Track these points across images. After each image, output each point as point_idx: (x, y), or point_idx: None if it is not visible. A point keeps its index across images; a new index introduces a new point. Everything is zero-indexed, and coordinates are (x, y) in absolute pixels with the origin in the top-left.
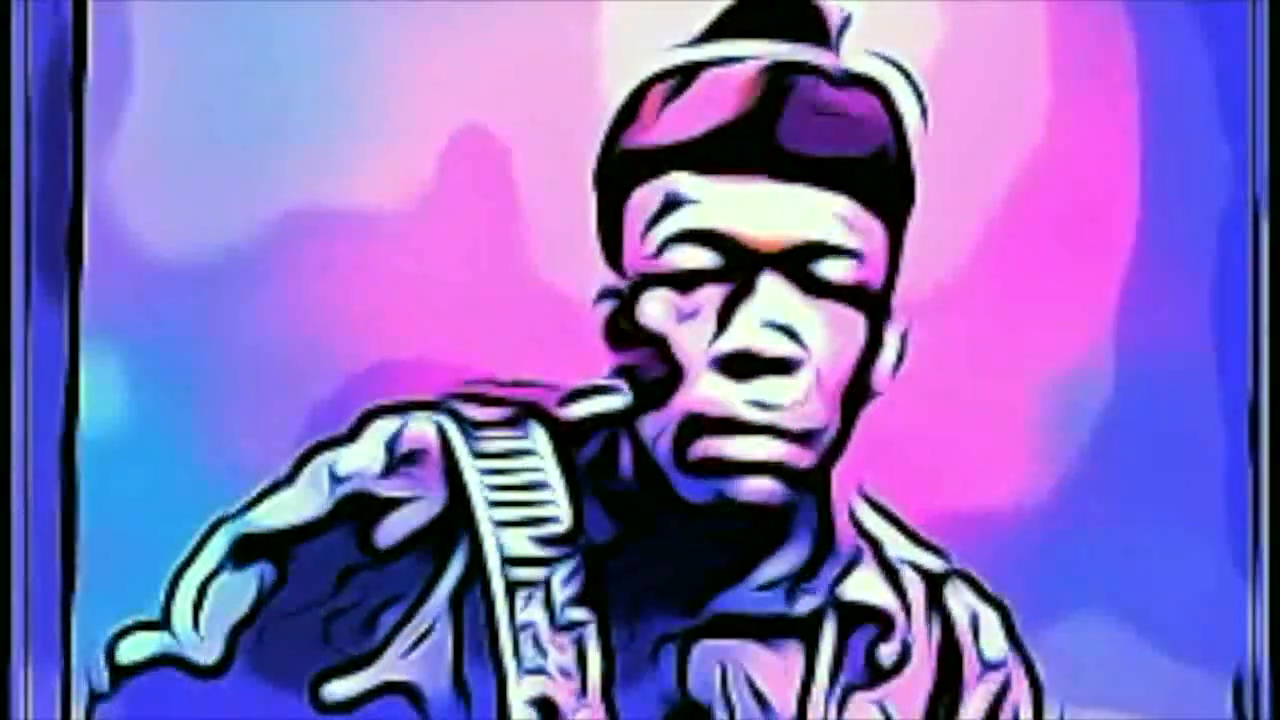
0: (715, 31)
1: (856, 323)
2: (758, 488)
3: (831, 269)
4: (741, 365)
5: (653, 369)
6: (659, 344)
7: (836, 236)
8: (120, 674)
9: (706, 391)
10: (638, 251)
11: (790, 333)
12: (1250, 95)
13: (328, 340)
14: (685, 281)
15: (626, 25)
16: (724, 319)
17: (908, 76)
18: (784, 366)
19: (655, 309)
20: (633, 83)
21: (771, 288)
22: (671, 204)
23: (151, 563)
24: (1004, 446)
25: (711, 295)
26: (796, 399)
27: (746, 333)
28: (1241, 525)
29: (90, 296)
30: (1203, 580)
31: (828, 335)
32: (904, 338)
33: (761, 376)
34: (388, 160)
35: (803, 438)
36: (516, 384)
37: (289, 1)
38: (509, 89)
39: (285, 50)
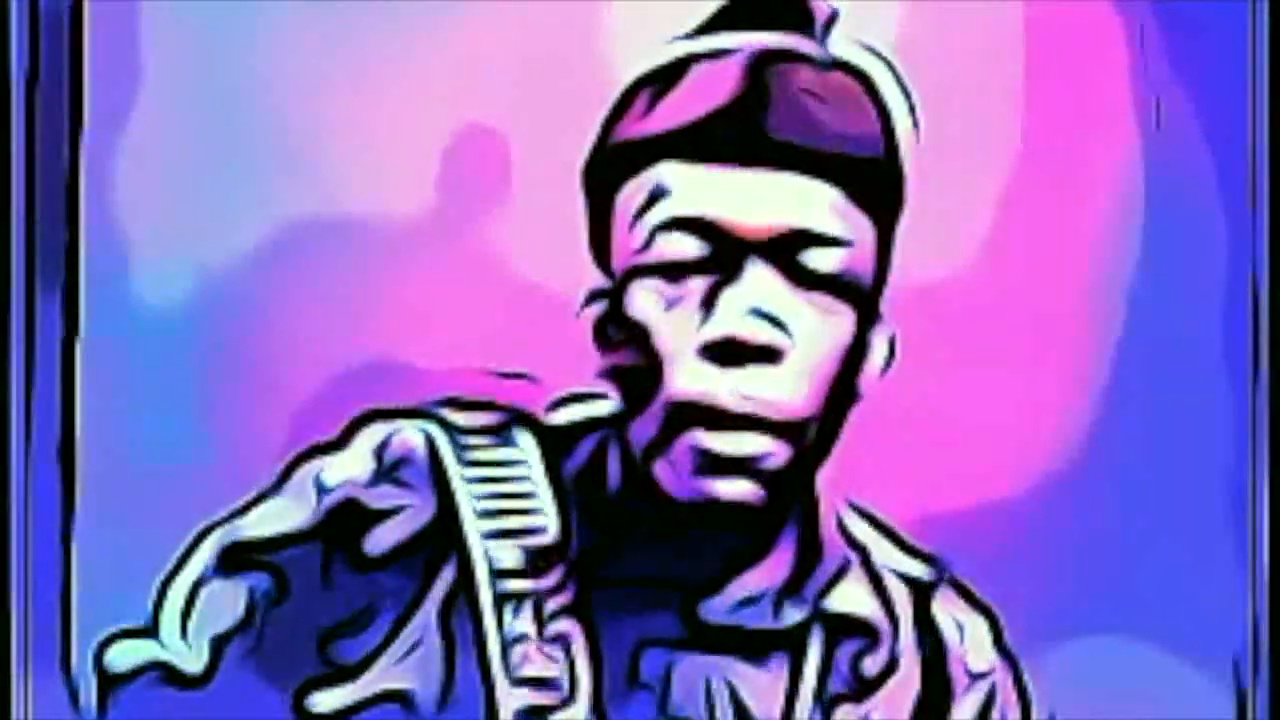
0: (707, 29)
1: (843, 314)
2: (742, 487)
3: (819, 258)
4: (727, 353)
5: (640, 365)
6: (645, 339)
7: (824, 225)
8: (108, 682)
9: (692, 379)
10: (626, 245)
11: (776, 321)
12: (1250, 95)
13: (318, 344)
14: (673, 270)
15: (626, 25)
16: (709, 307)
17: (895, 74)
18: (769, 354)
19: (643, 300)
20: (626, 83)
21: (758, 276)
22: (659, 193)
23: (149, 568)
24: (996, 450)
25: (698, 284)
26: (781, 388)
27: (732, 320)
28: (1241, 527)
29: (89, 300)
30: (1200, 583)
31: (814, 325)
32: (892, 343)
33: (747, 364)
34: (383, 164)
35: (788, 428)
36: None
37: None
38: (505, 91)
39: (281, 51)
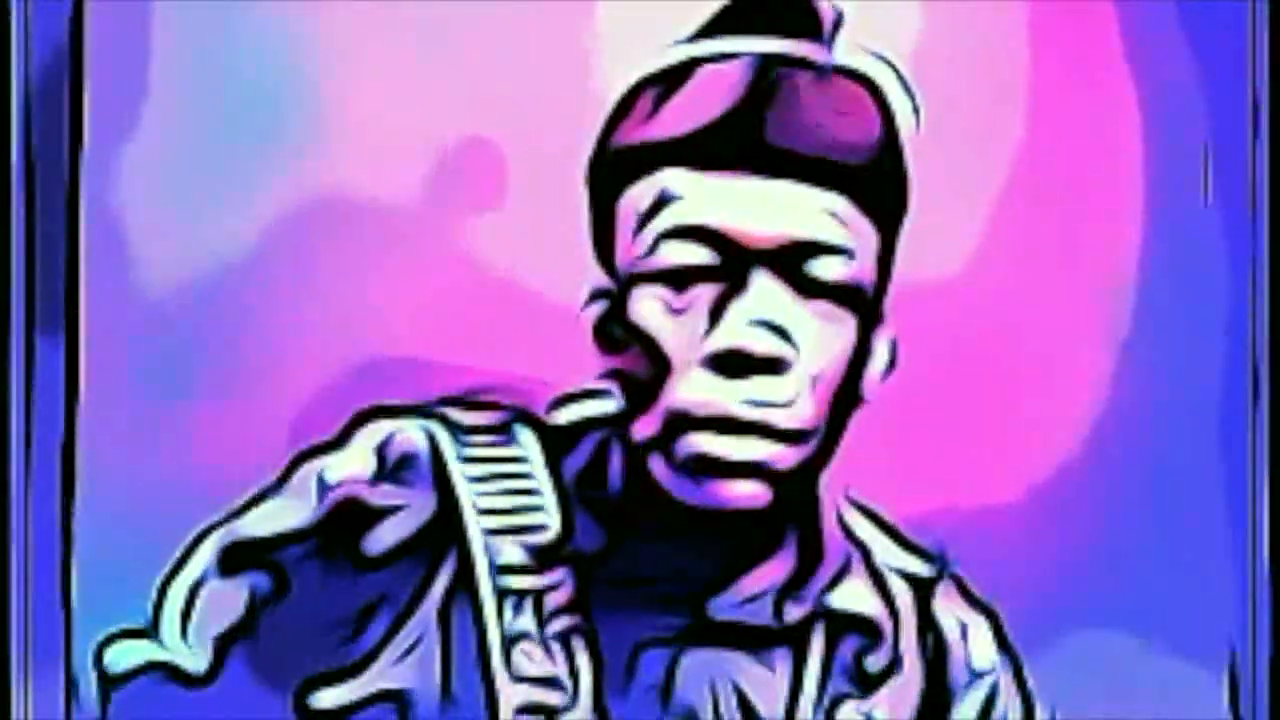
0: (710, 30)
1: (847, 323)
2: (746, 490)
3: (824, 267)
4: (732, 364)
5: (643, 369)
6: (649, 343)
7: (829, 234)
8: (108, 682)
9: (696, 389)
10: (630, 250)
11: (781, 332)
12: (1250, 95)
13: (318, 343)
14: (677, 278)
15: (623, 27)
16: (715, 317)
17: (900, 76)
18: (774, 366)
19: (646, 307)
20: (628, 85)
21: (763, 286)
22: (664, 200)
23: (149, 568)
24: (996, 450)
25: (703, 293)
26: (786, 398)
27: (737, 331)
28: (1241, 525)
29: (89, 299)
30: (1201, 582)
31: (818, 335)
32: (894, 346)
33: (752, 375)
34: (383, 165)
35: (792, 437)
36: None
37: (289, 2)
38: (505, 92)
39: (281, 53)
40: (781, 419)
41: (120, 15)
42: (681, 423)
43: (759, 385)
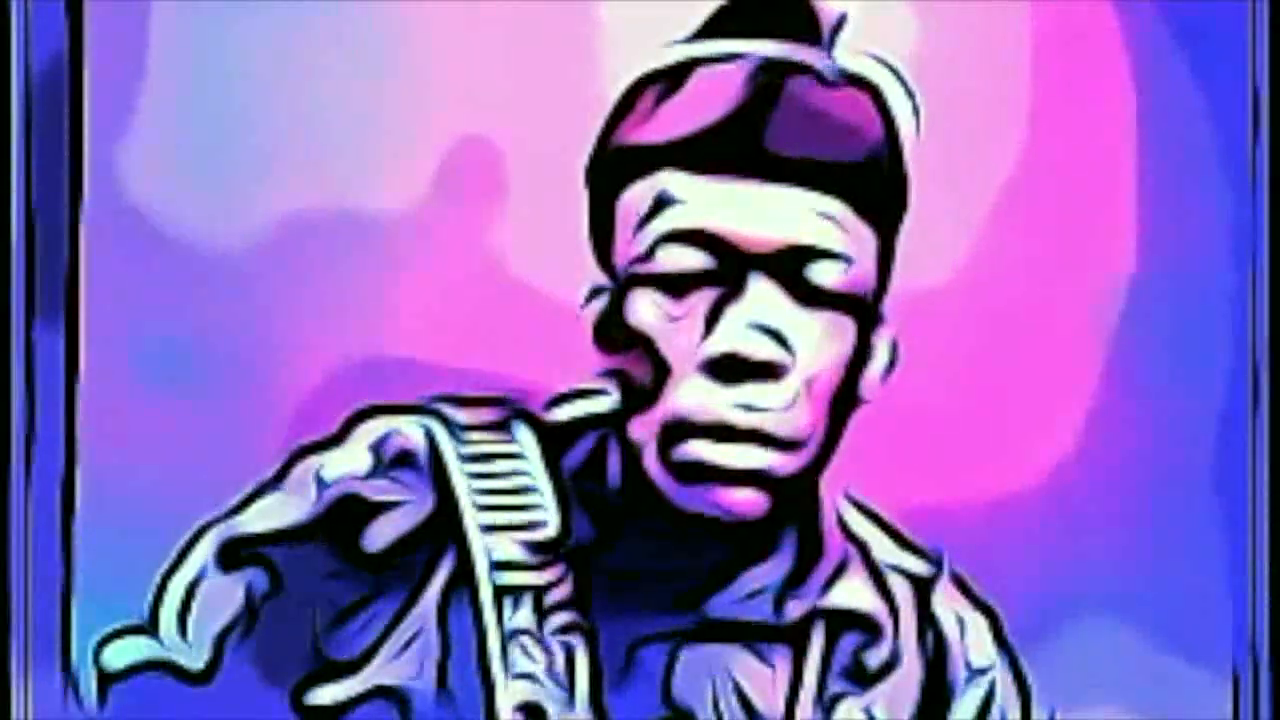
0: (710, 30)
1: (846, 328)
2: (744, 498)
3: (822, 273)
4: (728, 368)
5: (641, 371)
6: (647, 344)
7: (827, 240)
8: (108, 680)
9: (693, 394)
10: (628, 250)
11: (778, 337)
12: (1250, 95)
13: (316, 341)
14: (675, 282)
15: (624, 25)
16: (712, 321)
17: (900, 79)
18: (771, 371)
19: (644, 309)
20: (629, 83)
21: (760, 291)
22: (663, 203)
23: (149, 565)
24: (996, 449)
25: (701, 297)
26: (783, 404)
27: (734, 336)
28: (1241, 523)
29: (89, 296)
30: (1200, 579)
31: (816, 340)
32: (894, 346)
33: (748, 380)
34: (383, 163)
35: (789, 444)
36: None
37: (290, 1)
38: (505, 93)
39: (282, 53)
40: (777, 425)
41: (120, 15)
42: (679, 428)
43: (755, 390)
